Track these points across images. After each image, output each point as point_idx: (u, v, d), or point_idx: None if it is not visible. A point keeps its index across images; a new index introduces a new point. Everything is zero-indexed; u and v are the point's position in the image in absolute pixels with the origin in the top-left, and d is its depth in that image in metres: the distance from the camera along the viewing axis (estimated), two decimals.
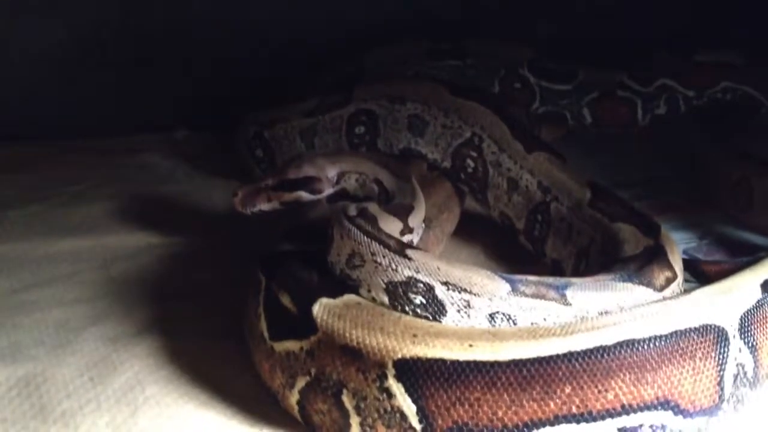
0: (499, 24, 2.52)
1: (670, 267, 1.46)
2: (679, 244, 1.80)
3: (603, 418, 1.19)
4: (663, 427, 1.22)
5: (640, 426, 1.21)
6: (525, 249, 1.83)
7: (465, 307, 1.31)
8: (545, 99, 2.34)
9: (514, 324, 1.32)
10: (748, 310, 1.30)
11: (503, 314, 1.32)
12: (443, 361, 1.18)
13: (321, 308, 1.28)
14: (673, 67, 2.25)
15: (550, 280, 1.38)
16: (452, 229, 1.92)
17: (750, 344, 1.29)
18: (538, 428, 1.18)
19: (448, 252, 1.86)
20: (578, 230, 1.71)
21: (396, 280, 1.33)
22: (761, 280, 1.35)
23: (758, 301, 1.31)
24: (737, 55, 2.23)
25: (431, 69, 2.31)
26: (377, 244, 1.36)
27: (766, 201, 1.86)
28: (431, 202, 1.84)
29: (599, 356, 1.19)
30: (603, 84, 2.30)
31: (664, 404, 1.22)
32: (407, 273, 1.32)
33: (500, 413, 1.17)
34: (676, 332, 1.23)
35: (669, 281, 1.43)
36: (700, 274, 1.61)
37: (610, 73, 2.30)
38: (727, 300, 1.30)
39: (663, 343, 1.22)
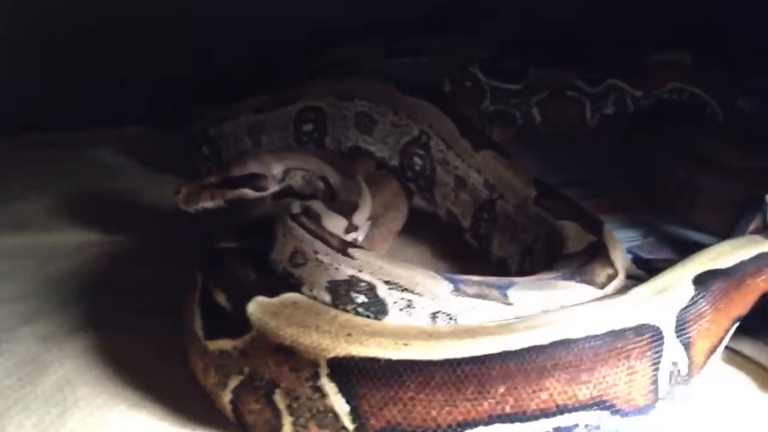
0: (459, 23, 2.50)
1: (612, 264, 1.47)
2: (624, 243, 1.83)
3: (537, 417, 1.19)
4: (598, 426, 1.22)
5: (576, 426, 1.21)
6: (472, 247, 1.82)
7: (407, 307, 1.31)
8: (495, 98, 2.33)
9: (456, 324, 1.31)
10: (683, 308, 1.30)
11: (445, 314, 1.31)
12: (377, 360, 1.17)
13: (256, 307, 1.27)
14: (622, 67, 2.25)
15: (493, 280, 1.38)
16: (399, 228, 1.91)
17: (684, 342, 1.29)
18: (471, 428, 1.17)
19: (395, 250, 1.85)
20: (523, 228, 1.71)
21: (338, 278, 1.31)
22: (692, 276, 1.35)
23: (692, 298, 1.32)
24: (685, 55, 2.24)
25: (385, 67, 2.29)
26: (320, 243, 1.35)
27: (711, 200, 1.87)
28: (378, 200, 1.82)
29: (534, 356, 1.19)
30: (552, 84, 2.30)
31: (600, 404, 1.21)
32: (349, 272, 1.31)
33: (434, 413, 1.16)
34: (611, 332, 1.23)
35: (610, 278, 1.44)
36: (653, 272, 1.61)
37: (560, 73, 2.30)
38: (662, 299, 1.30)
39: (598, 342, 1.22)
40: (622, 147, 2.24)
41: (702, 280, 1.35)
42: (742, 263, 1.43)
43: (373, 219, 1.75)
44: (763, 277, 1.44)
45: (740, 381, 1.41)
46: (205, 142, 2.08)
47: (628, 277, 1.53)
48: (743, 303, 1.41)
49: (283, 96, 2.00)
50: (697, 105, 2.21)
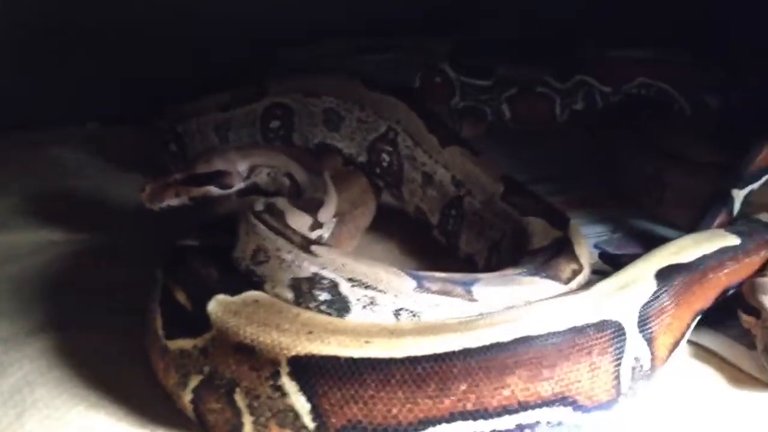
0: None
1: (576, 259, 1.47)
2: (591, 238, 1.83)
3: (499, 415, 1.18)
4: (561, 423, 1.22)
5: (538, 422, 1.21)
6: (440, 244, 1.82)
7: (370, 304, 1.30)
8: (465, 94, 2.33)
9: (419, 321, 1.30)
10: (645, 304, 1.30)
11: (408, 311, 1.30)
12: (337, 358, 1.16)
13: (216, 305, 1.25)
14: (591, 63, 2.26)
15: (457, 276, 1.37)
16: (367, 224, 1.90)
17: (647, 337, 1.29)
18: (433, 426, 1.17)
19: (363, 247, 1.84)
20: (490, 224, 1.70)
21: (300, 276, 1.30)
22: (655, 271, 1.35)
23: (654, 293, 1.32)
24: (652, 51, 2.25)
25: (354, 64, 2.28)
26: (282, 240, 1.33)
27: (678, 195, 1.88)
28: (345, 196, 1.82)
29: (495, 353, 1.18)
30: (522, 80, 2.30)
31: (562, 400, 1.21)
32: (312, 269, 1.30)
33: (395, 411, 1.16)
34: (573, 328, 1.23)
35: (575, 273, 1.44)
36: (620, 268, 1.61)
37: (530, 69, 2.30)
38: (624, 294, 1.30)
39: (560, 339, 1.21)
40: (591, 143, 2.25)
41: (664, 275, 1.35)
42: (704, 257, 1.43)
43: (340, 216, 1.74)
44: (726, 270, 1.45)
45: (703, 374, 1.41)
46: (173, 140, 2.06)
47: (595, 272, 1.53)
48: (705, 297, 1.42)
49: (249, 93, 1.98)
50: (665, 100, 2.21)
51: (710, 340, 1.47)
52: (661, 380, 1.35)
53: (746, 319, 1.44)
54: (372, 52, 2.35)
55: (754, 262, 1.51)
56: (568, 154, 2.24)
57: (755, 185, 1.78)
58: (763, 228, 1.59)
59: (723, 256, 1.46)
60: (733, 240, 1.51)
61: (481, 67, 2.33)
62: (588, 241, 1.81)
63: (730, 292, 1.48)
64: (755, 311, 1.41)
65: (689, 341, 1.47)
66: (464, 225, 1.76)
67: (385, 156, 1.87)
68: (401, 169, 1.85)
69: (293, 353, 1.17)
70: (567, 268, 1.44)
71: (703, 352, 1.47)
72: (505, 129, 2.35)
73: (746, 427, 1.30)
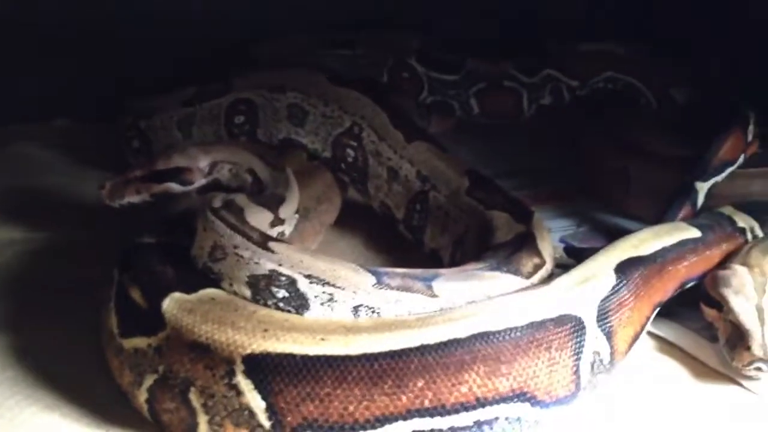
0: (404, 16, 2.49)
1: (539, 254, 1.46)
2: (557, 232, 1.83)
3: (457, 411, 1.17)
4: (519, 419, 1.21)
5: (496, 419, 1.20)
6: (405, 239, 1.81)
7: (329, 301, 1.29)
8: (433, 89, 2.32)
9: (379, 317, 1.29)
10: (605, 298, 1.30)
11: (367, 307, 1.29)
12: (293, 356, 1.15)
13: (171, 303, 1.24)
14: (558, 57, 2.25)
15: (418, 272, 1.37)
16: (332, 220, 1.89)
17: (606, 331, 1.29)
18: (390, 423, 1.16)
19: (328, 242, 1.83)
20: (455, 219, 1.70)
21: (258, 273, 1.29)
22: (614, 265, 1.35)
23: (613, 287, 1.32)
24: (619, 45, 2.25)
25: (320, 59, 2.27)
26: (239, 237, 1.32)
27: (643, 188, 1.88)
28: (310, 192, 1.81)
29: (452, 349, 1.17)
30: (490, 74, 2.29)
31: (520, 396, 1.21)
32: (269, 266, 1.29)
33: (351, 408, 1.15)
34: (532, 323, 1.22)
35: (537, 268, 1.43)
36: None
37: (497, 63, 2.29)
38: (583, 289, 1.30)
39: (518, 334, 1.21)
40: (558, 137, 2.24)
41: (623, 269, 1.35)
42: (664, 249, 1.43)
43: (304, 211, 1.73)
44: (685, 263, 1.45)
45: (665, 367, 1.42)
46: (136, 136, 2.04)
47: (560, 266, 1.52)
48: (664, 289, 1.42)
49: (213, 88, 1.96)
50: (631, 94, 2.21)
51: (672, 332, 1.48)
52: (622, 373, 1.35)
53: (708, 312, 1.44)
54: (339, 48, 2.33)
55: (714, 254, 1.51)
56: (536, 148, 2.24)
57: (719, 178, 1.79)
58: (726, 221, 1.59)
59: (683, 248, 1.46)
60: (694, 233, 1.51)
61: (449, 62, 2.31)
62: (554, 235, 1.82)
63: (689, 284, 1.48)
64: (717, 304, 1.41)
65: (652, 334, 1.47)
66: (429, 220, 1.75)
67: (349, 151, 1.86)
68: (366, 165, 1.84)
69: (248, 351, 1.16)
70: (529, 263, 1.44)
71: (665, 345, 1.47)
72: (473, 123, 2.34)
73: (707, 419, 1.30)
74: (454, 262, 1.64)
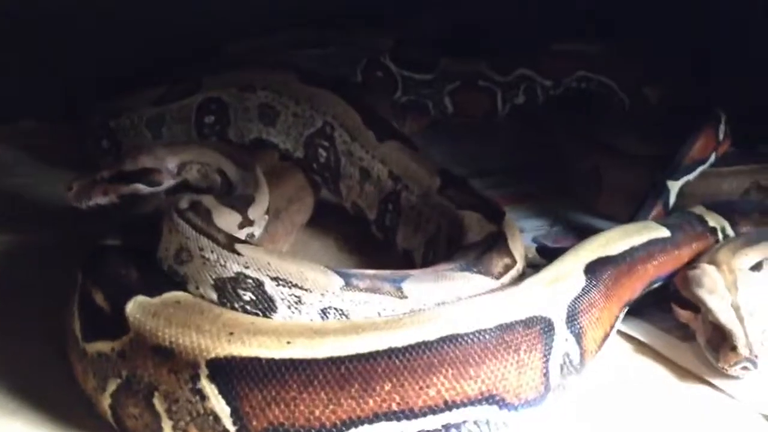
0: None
1: (510, 254, 1.45)
2: (530, 232, 1.83)
3: (425, 414, 1.16)
4: (487, 421, 1.20)
5: (464, 422, 1.19)
6: (378, 239, 1.80)
7: (296, 303, 1.27)
8: (407, 88, 2.31)
9: (347, 319, 1.28)
10: (575, 299, 1.29)
11: (336, 309, 1.28)
12: (258, 359, 1.13)
13: (135, 307, 1.22)
14: (531, 56, 2.25)
15: (387, 273, 1.35)
16: (304, 221, 1.87)
17: (576, 332, 1.28)
18: (356, 426, 1.14)
19: (300, 243, 1.82)
20: (427, 219, 1.69)
21: (224, 276, 1.27)
22: (584, 265, 1.35)
23: (583, 288, 1.31)
24: (592, 44, 2.25)
25: (292, 58, 2.25)
26: (205, 239, 1.30)
27: (615, 188, 1.88)
28: (281, 193, 1.79)
29: (420, 352, 1.16)
30: (464, 74, 2.28)
31: (489, 399, 1.19)
32: (236, 268, 1.27)
33: (317, 412, 1.13)
34: (500, 326, 1.21)
35: (507, 268, 1.42)
36: None
37: (471, 62, 2.29)
38: (553, 290, 1.29)
39: (487, 337, 1.20)
40: (532, 136, 2.24)
41: (593, 269, 1.35)
42: (633, 249, 1.43)
43: (275, 212, 1.72)
44: (655, 262, 1.45)
45: (636, 367, 1.41)
46: (105, 135, 2.01)
47: (532, 266, 1.52)
48: (633, 288, 1.42)
49: (182, 87, 1.94)
50: (604, 93, 2.21)
51: (643, 332, 1.47)
52: (593, 374, 1.34)
53: (683, 314, 1.44)
54: (313, 46, 2.31)
55: (683, 254, 1.51)
56: (510, 147, 2.23)
57: (690, 176, 1.79)
58: (696, 221, 1.59)
59: (652, 248, 1.46)
60: (663, 232, 1.51)
61: (423, 61, 2.31)
62: (527, 234, 1.81)
63: (657, 283, 1.48)
64: (692, 305, 1.41)
65: (623, 334, 1.47)
66: (401, 220, 1.74)
67: (321, 151, 1.84)
68: (338, 165, 1.82)
69: (212, 355, 1.14)
70: (500, 263, 1.43)
71: (635, 345, 1.46)
72: (448, 123, 2.33)
73: (678, 419, 1.29)
74: (426, 262, 1.63)
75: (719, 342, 1.33)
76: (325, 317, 1.28)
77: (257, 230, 1.57)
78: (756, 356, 1.30)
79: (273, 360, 1.13)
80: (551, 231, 1.88)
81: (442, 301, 1.32)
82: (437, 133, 2.32)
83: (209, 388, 1.14)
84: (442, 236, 1.64)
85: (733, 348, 1.30)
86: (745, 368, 1.30)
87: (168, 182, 1.65)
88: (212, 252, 1.28)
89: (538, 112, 2.25)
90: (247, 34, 2.34)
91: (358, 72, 2.33)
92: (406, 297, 1.31)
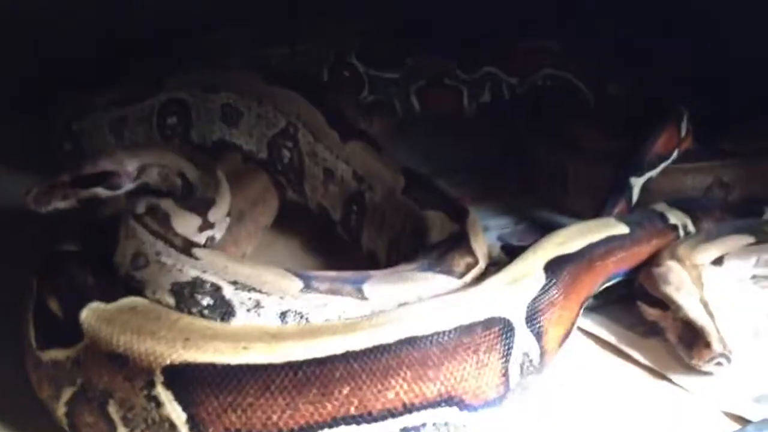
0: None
1: (472, 253, 1.45)
2: (495, 230, 1.82)
3: (384, 418, 1.16)
4: (447, 423, 1.20)
5: (423, 425, 1.18)
6: (343, 240, 1.79)
7: (255, 307, 1.26)
8: (374, 87, 2.30)
9: (307, 322, 1.27)
10: (534, 298, 1.29)
11: (295, 312, 1.27)
12: (214, 365, 1.12)
13: (90, 313, 1.20)
14: (497, 54, 2.25)
15: (348, 274, 1.35)
16: (269, 222, 1.86)
17: (535, 332, 1.28)
18: (315, 431, 1.13)
19: (264, 245, 1.81)
20: (391, 219, 1.68)
21: (182, 280, 1.26)
22: (543, 264, 1.34)
23: (543, 287, 1.31)
24: (556, 42, 2.25)
25: (258, 57, 2.23)
26: (162, 244, 1.29)
27: (580, 184, 1.88)
28: (245, 194, 1.78)
29: (379, 355, 1.16)
30: (430, 72, 2.28)
31: (448, 401, 1.19)
32: (193, 273, 1.26)
33: (275, 417, 1.12)
34: (459, 327, 1.21)
35: (469, 267, 1.42)
36: None
37: (437, 60, 2.28)
38: (513, 290, 1.29)
39: (446, 338, 1.19)
40: (498, 134, 2.24)
41: (552, 267, 1.35)
42: (591, 245, 1.43)
43: (239, 214, 1.70)
44: (613, 259, 1.45)
45: (595, 364, 1.41)
46: (67, 138, 1.98)
47: (496, 264, 1.51)
48: (592, 284, 1.42)
49: (144, 88, 1.92)
50: (569, 90, 2.21)
51: (604, 330, 1.47)
52: (555, 372, 1.35)
53: (651, 312, 1.44)
54: (278, 45, 2.30)
55: (643, 251, 1.52)
56: (476, 145, 2.23)
57: (653, 173, 1.79)
58: (657, 218, 1.60)
59: (611, 244, 1.46)
60: (622, 229, 1.51)
61: (390, 59, 2.29)
62: (492, 233, 1.82)
63: (616, 279, 1.48)
64: (661, 303, 1.41)
65: (585, 332, 1.47)
66: (366, 220, 1.73)
67: (285, 152, 1.83)
68: (302, 165, 1.81)
69: (168, 362, 1.13)
70: (461, 262, 1.43)
71: (597, 343, 1.47)
72: (415, 122, 2.32)
73: (639, 416, 1.30)
74: (391, 262, 1.62)
75: (692, 339, 1.33)
76: (284, 321, 1.27)
77: (218, 233, 1.55)
78: (729, 351, 1.30)
79: (229, 365, 1.12)
80: (516, 229, 1.88)
81: (404, 302, 1.32)
82: (404, 131, 2.31)
83: (165, 395, 1.12)
84: (405, 236, 1.63)
85: (707, 344, 1.31)
86: (719, 363, 1.31)
87: (128, 185, 1.63)
88: (169, 256, 1.27)
89: (504, 110, 2.24)
90: (207, 28, 2.30)
91: (325, 71, 2.31)
92: (367, 298, 1.30)
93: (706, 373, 1.33)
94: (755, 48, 2.02)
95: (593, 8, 2.24)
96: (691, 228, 1.61)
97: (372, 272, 1.39)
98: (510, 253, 1.67)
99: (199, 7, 2.30)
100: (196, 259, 1.26)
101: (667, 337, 1.39)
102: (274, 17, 2.36)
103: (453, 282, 1.38)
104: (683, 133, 1.83)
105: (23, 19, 2.21)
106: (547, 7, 2.34)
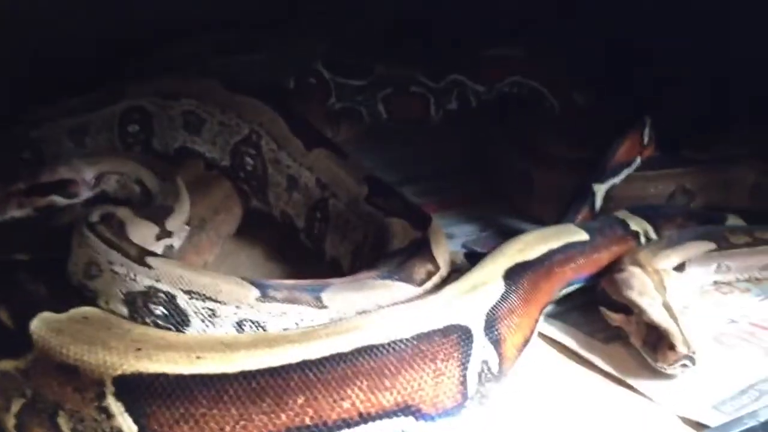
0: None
1: (433, 260, 1.44)
2: (460, 237, 1.82)
3: (339, 428, 1.14)
4: None
5: None
6: (307, 248, 1.77)
7: (210, 316, 1.25)
8: (341, 95, 2.28)
9: (264, 331, 1.25)
10: (494, 306, 1.28)
11: (252, 322, 1.26)
12: (166, 375, 1.10)
13: (40, 323, 1.18)
14: (463, 62, 2.24)
15: (306, 283, 1.34)
16: (231, 231, 1.84)
17: (494, 339, 1.27)
18: None
19: (226, 254, 1.79)
20: (354, 226, 1.67)
21: (135, 290, 1.24)
22: (502, 271, 1.34)
23: (502, 295, 1.30)
24: (521, 49, 2.25)
25: (222, 64, 2.21)
26: (115, 253, 1.27)
27: (545, 191, 1.88)
28: (207, 202, 1.76)
29: (335, 364, 1.14)
30: (397, 79, 2.27)
31: (405, 410, 1.18)
32: (147, 282, 1.24)
33: (228, 428, 1.11)
34: (417, 335, 1.20)
35: (430, 275, 1.42)
36: None
37: (404, 68, 2.27)
38: (471, 297, 1.28)
39: (403, 347, 1.18)
40: (465, 142, 2.24)
41: (512, 275, 1.34)
42: (550, 252, 1.43)
43: (200, 222, 1.69)
44: (572, 265, 1.45)
45: (556, 371, 1.40)
46: (27, 146, 1.95)
47: (458, 271, 1.50)
48: (551, 291, 1.42)
49: (105, 96, 1.89)
50: (535, 98, 2.21)
51: (565, 336, 1.47)
52: (516, 379, 1.34)
53: (615, 317, 1.43)
54: (243, 52, 2.28)
55: (602, 257, 1.52)
56: (442, 153, 2.23)
57: (616, 180, 1.80)
58: (618, 225, 1.60)
59: (570, 250, 1.46)
60: (582, 235, 1.51)
61: (356, 67, 2.28)
62: (457, 240, 1.81)
63: (575, 285, 1.48)
64: (624, 308, 1.40)
65: (546, 337, 1.46)
66: (329, 228, 1.72)
67: (248, 159, 1.81)
68: (266, 173, 1.80)
69: (119, 372, 1.11)
70: (422, 270, 1.42)
71: (558, 349, 1.46)
72: (381, 129, 2.31)
73: (599, 423, 1.29)
74: (354, 270, 1.60)
75: (656, 342, 1.33)
76: (240, 330, 1.25)
77: (176, 242, 1.53)
78: (694, 352, 1.30)
79: (181, 375, 1.11)
80: (481, 236, 1.88)
81: (363, 309, 1.31)
82: (371, 139, 2.30)
83: (115, 406, 1.11)
84: (368, 244, 1.62)
85: (671, 346, 1.30)
86: (684, 365, 1.30)
87: (86, 193, 1.61)
88: (122, 266, 1.26)
89: (470, 118, 2.24)
90: (173, 36, 2.28)
91: (291, 79, 2.30)
92: (325, 307, 1.29)
93: (667, 378, 1.33)
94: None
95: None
96: (652, 235, 1.61)
97: (331, 280, 1.37)
98: (473, 260, 1.65)
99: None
100: (150, 268, 1.25)
101: (632, 342, 1.39)
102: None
103: (413, 290, 1.37)
104: (646, 140, 1.84)
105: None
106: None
